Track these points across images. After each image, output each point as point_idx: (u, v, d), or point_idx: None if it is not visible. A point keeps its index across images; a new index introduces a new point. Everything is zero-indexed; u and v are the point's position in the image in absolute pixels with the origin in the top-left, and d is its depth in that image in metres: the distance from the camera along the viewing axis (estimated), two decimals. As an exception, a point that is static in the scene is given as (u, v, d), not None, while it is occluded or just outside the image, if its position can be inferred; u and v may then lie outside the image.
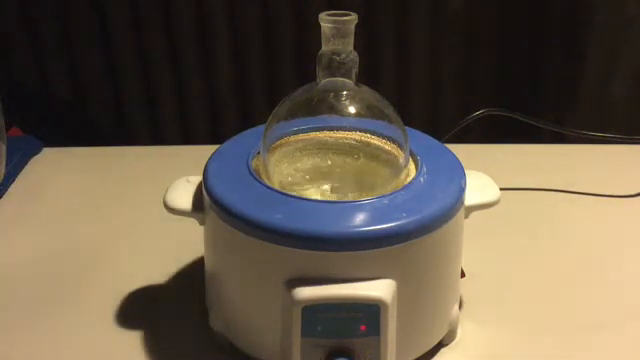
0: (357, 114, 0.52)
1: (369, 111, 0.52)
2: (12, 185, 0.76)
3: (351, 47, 0.49)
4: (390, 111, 0.52)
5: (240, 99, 1.09)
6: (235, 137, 0.56)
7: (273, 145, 0.52)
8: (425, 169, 0.50)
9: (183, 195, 0.52)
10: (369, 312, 0.44)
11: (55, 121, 1.10)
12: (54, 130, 1.04)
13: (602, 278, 0.61)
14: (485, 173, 0.54)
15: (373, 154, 0.52)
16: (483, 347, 0.53)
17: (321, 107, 0.51)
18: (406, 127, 0.52)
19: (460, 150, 0.54)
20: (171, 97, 1.09)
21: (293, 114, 0.52)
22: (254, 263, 0.47)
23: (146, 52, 1.06)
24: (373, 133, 0.53)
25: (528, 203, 0.73)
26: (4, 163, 0.75)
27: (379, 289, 0.44)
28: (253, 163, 0.52)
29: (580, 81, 1.05)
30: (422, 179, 0.49)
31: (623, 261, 0.64)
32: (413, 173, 0.51)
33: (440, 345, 0.52)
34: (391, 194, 0.47)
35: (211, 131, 1.12)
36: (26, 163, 0.81)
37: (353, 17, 0.48)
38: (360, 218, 0.45)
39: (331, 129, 0.54)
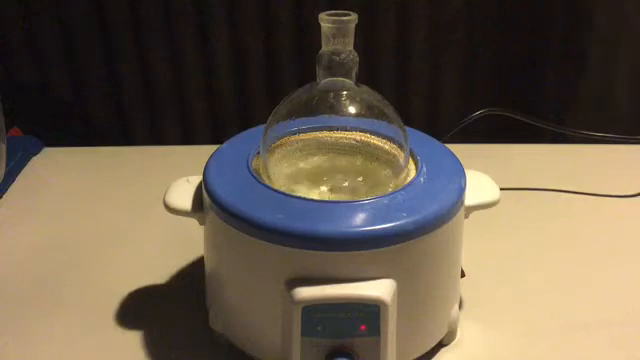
0: (357, 114, 0.52)
1: (369, 111, 0.52)
2: (12, 185, 0.77)
3: (351, 47, 0.49)
4: (390, 111, 0.52)
5: (240, 99, 1.09)
6: (235, 137, 0.56)
7: (273, 145, 0.52)
8: (425, 169, 0.50)
9: (183, 195, 0.52)
10: (369, 312, 0.44)
11: (55, 121, 1.10)
12: (54, 130, 1.04)
13: (602, 278, 0.61)
14: (485, 173, 0.54)
15: (373, 154, 0.52)
16: (483, 347, 0.53)
17: (321, 107, 0.51)
18: (406, 127, 0.52)
19: (460, 150, 0.54)
20: (171, 97, 1.09)
21: (293, 114, 0.52)
22: (254, 263, 0.47)
23: (146, 52, 1.06)
24: (373, 133, 0.53)
25: (528, 203, 0.73)
26: (4, 163, 0.75)
27: (379, 289, 0.44)
28: (253, 163, 0.52)
29: (580, 81, 1.05)
30: (422, 179, 0.49)
31: (623, 261, 0.64)
32: (413, 173, 0.51)
33: (440, 345, 0.52)
34: (391, 194, 0.47)
35: (211, 131, 1.12)
36: (26, 163, 0.82)
37: (353, 17, 0.48)
38: (360, 218, 0.45)
39: (331, 129, 0.54)
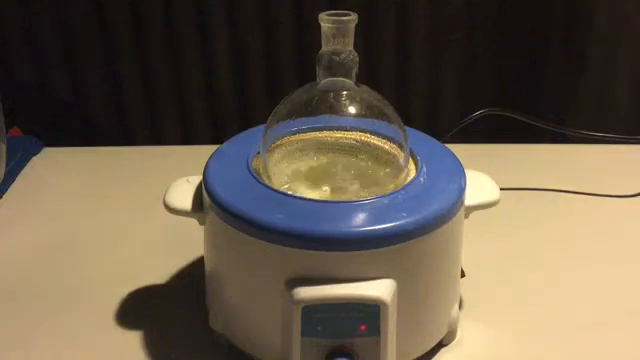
0: (357, 114, 0.52)
1: (369, 111, 0.52)
2: (12, 185, 0.77)
3: (351, 47, 0.49)
4: (390, 111, 0.52)
5: (240, 99, 1.09)
6: (235, 137, 0.56)
7: (273, 145, 0.52)
8: (425, 169, 0.50)
9: (183, 195, 0.52)
10: (369, 312, 0.44)
11: (55, 121, 1.10)
12: (54, 130, 1.04)
13: (602, 278, 0.61)
14: (485, 173, 0.54)
15: (373, 154, 0.52)
16: (483, 347, 0.53)
17: (321, 107, 0.51)
18: (406, 127, 0.52)
19: (460, 150, 0.54)
20: (171, 97, 1.09)
21: (293, 114, 0.52)
22: (254, 263, 0.47)
23: (146, 52, 1.06)
24: (373, 133, 0.53)
25: (528, 203, 0.73)
26: (4, 163, 0.75)
27: (379, 289, 0.44)
28: (253, 163, 0.52)
29: (580, 81, 1.05)
30: (422, 179, 0.49)
31: (623, 261, 0.64)
32: (413, 173, 0.51)
33: (440, 345, 0.52)
34: (391, 194, 0.47)
35: (211, 131, 1.11)
36: (26, 163, 0.82)
37: (353, 17, 0.48)
38: (360, 218, 0.45)
39: (331, 129, 0.54)
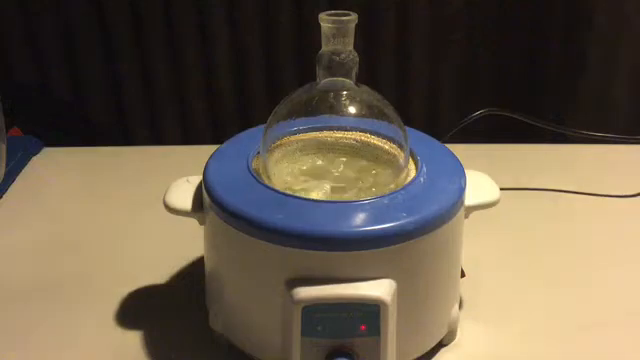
0: (357, 114, 0.52)
1: (369, 111, 0.52)
2: (12, 185, 0.77)
3: (351, 47, 0.49)
4: (390, 111, 0.52)
5: (240, 99, 1.09)
6: (235, 137, 0.56)
7: (273, 145, 0.52)
8: (425, 169, 0.50)
9: (183, 195, 0.52)
10: (369, 312, 0.44)
11: (55, 121, 1.09)
12: (54, 130, 1.04)
13: (602, 278, 0.61)
14: (485, 173, 0.54)
15: (373, 154, 0.52)
16: (483, 347, 0.53)
17: (321, 107, 0.51)
18: (406, 127, 0.52)
19: (460, 150, 0.54)
20: (171, 97, 1.09)
21: (293, 114, 0.52)
22: (254, 263, 0.47)
23: (146, 52, 1.06)
24: (373, 133, 0.53)
25: (528, 203, 0.73)
26: (4, 163, 0.75)
27: (379, 289, 0.44)
28: (253, 163, 0.52)
29: (580, 81, 1.05)
30: (422, 179, 0.49)
31: (623, 261, 0.64)
32: (413, 173, 0.51)
33: (440, 345, 0.52)
34: (391, 194, 0.47)
35: (211, 131, 1.11)
36: (26, 163, 0.82)
37: (353, 17, 0.48)
38: (360, 218, 0.45)
39: (331, 129, 0.54)
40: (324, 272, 0.44)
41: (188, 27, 1.04)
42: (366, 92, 0.52)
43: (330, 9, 0.49)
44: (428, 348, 0.51)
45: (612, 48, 1.02)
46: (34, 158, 0.83)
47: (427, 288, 0.48)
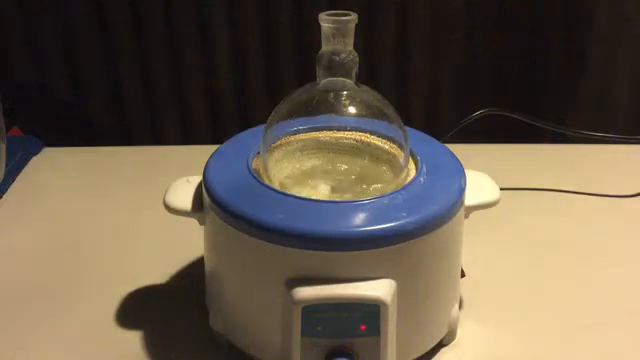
0: (357, 114, 0.52)
1: (369, 111, 0.52)
2: (12, 185, 0.77)
3: (351, 47, 0.49)
4: (390, 111, 0.52)
5: (240, 99, 1.09)
6: (235, 137, 0.56)
7: (273, 145, 0.52)
8: (425, 169, 0.50)
9: (183, 195, 0.52)
10: (369, 312, 0.44)
11: (55, 121, 1.09)
12: (54, 130, 1.04)
13: (602, 278, 0.61)
14: (485, 173, 0.54)
15: (373, 154, 0.52)
16: (483, 347, 0.53)
17: (321, 107, 0.51)
18: (406, 127, 0.52)
19: (460, 150, 0.54)
20: (171, 97, 1.09)
21: (293, 114, 0.52)
22: (254, 263, 0.47)
23: (146, 52, 1.05)
24: (373, 133, 0.53)
25: (528, 203, 0.73)
26: (4, 163, 0.75)
27: (379, 289, 0.44)
28: (253, 163, 0.52)
29: (580, 81, 1.05)
30: (422, 179, 0.49)
31: (623, 261, 0.64)
32: (413, 173, 0.51)
33: (440, 345, 0.52)
34: (391, 194, 0.47)
35: (211, 131, 1.11)
36: (26, 163, 0.82)
37: (353, 17, 0.48)
38: (360, 218, 0.45)
39: (331, 129, 0.54)
40: (324, 272, 0.44)
41: (188, 27, 1.04)
42: (366, 92, 0.52)
43: (330, 9, 0.49)
44: (428, 348, 0.51)
45: (612, 48, 1.02)
46: (34, 158, 0.83)
47: (427, 288, 0.48)
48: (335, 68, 0.50)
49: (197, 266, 0.61)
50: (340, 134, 0.53)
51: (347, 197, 0.49)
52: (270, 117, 0.52)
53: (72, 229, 0.69)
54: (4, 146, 0.74)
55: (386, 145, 0.52)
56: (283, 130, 0.52)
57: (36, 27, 1.04)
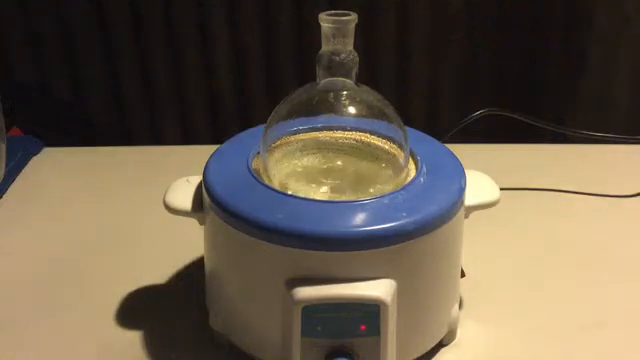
0: (357, 114, 0.52)
1: (369, 111, 0.52)
2: (12, 185, 0.77)
3: (351, 47, 0.49)
4: (390, 111, 0.52)
5: (240, 99, 1.09)
6: (235, 137, 0.56)
7: (273, 145, 0.52)
8: (425, 169, 0.50)
9: (183, 195, 0.52)
10: (369, 312, 0.44)
11: (55, 121, 1.09)
12: (54, 130, 1.04)
13: (602, 278, 0.61)
14: (485, 173, 0.54)
15: (373, 154, 0.52)
16: (483, 347, 0.53)
17: (321, 107, 0.51)
18: (406, 127, 0.52)
19: (460, 150, 0.54)
20: (171, 97, 1.09)
21: (293, 114, 0.52)
22: (254, 263, 0.47)
23: (146, 52, 1.06)
24: (373, 133, 0.53)
25: (528, 203, 0.73)
26: (4, 163, 0.75)
27: (379, 289, 0.44)
28: (253, 163, 0.52)
29: (580, 81, 1.05)
30: (422, 179, 0.49)
31: (623, 261, 0.63)
32: (413, 173, 0.51)
33: (440, 345, 0.52)
34: (391, 194, 0.47)
35: (211, 131, 1.11)
36: (26, 163, 0.82)
37: (353, 17, 0.48)
38: (360, 218, 0.45)
39: (331, 129, 0.54)
40: (324, 272, 0.44)
41: (188, 27, 1.04)
42: (366, 92, 0.52)
43: (330, 9, 0.49)
44: (428, 348, 0.51)
45: (612, 48, 1.02)
46: (34, 158, 0.83)
47: (427, 288, 0.48)
48: (335, 68, 0.50)
49: (197, 266, 0.61)
50: (340, 134, 0.53)
51: (347, 197, 0.49)
52: (270, 117, 0.52)
53: (72, 229, 0.69)
54: (4, 146, 0.74)
55: (386, 145, 0.52)
56: (283, 130, 0.52)
57: (36, 27, 1.04)
